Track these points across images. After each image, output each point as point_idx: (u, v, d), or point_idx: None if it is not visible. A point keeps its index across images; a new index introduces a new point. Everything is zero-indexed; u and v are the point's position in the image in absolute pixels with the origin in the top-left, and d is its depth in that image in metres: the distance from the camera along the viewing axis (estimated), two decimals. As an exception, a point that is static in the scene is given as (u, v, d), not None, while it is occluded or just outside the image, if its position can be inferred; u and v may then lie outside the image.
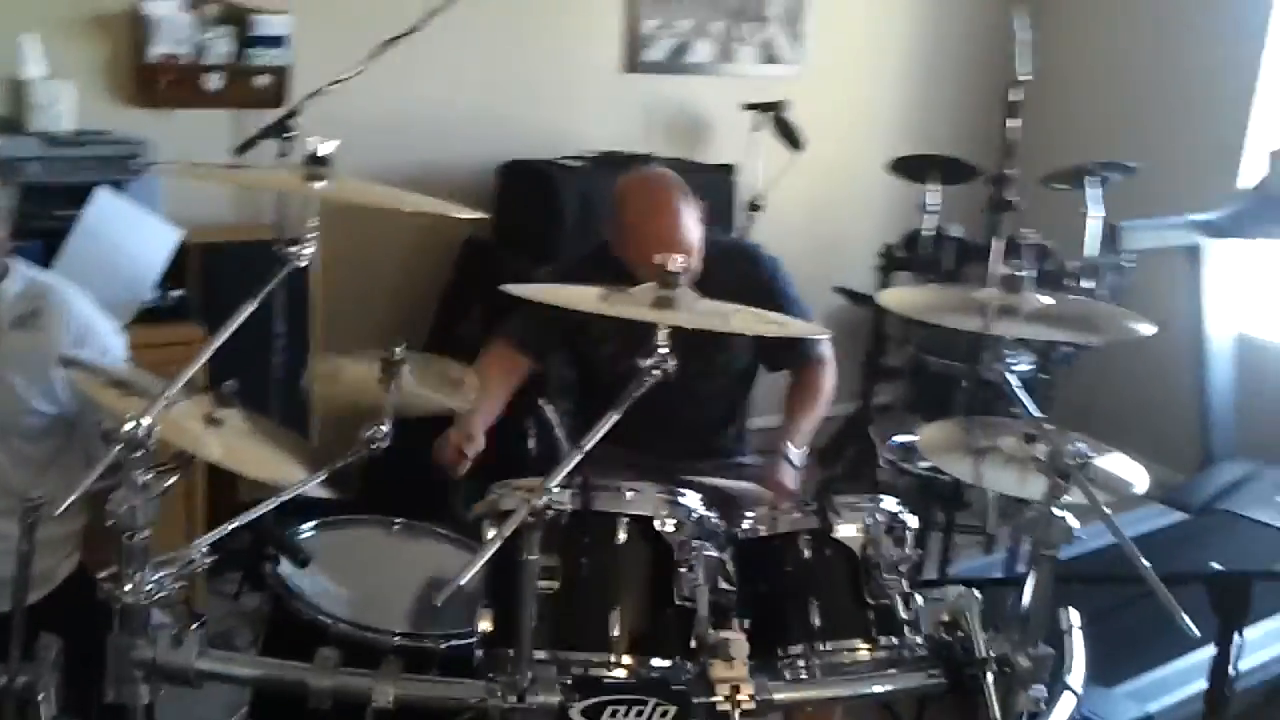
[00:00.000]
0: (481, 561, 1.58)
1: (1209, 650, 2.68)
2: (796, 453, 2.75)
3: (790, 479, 2.71)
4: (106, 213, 3.25)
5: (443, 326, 4.15)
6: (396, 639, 2.06)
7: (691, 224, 2.77)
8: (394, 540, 2.47)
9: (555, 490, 1.64)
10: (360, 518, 2.48)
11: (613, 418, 1.73)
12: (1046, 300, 2.02)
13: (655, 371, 1.75)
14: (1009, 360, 1.94)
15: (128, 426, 1.68)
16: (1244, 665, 2.28)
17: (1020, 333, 1.96)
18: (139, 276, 3.29)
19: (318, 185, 1.86)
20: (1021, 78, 2.62)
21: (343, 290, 3.84)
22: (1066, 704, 2.11)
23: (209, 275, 3.58)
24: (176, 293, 3.40)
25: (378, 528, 2.48)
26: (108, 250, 3.23)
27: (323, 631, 2.07)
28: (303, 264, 1.88)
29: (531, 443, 1.78)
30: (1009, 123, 2.71)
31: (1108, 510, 1.89)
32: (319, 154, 1.87)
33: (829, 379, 3.00)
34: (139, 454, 1.69)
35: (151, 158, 3.40)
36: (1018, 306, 1.98)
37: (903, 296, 2.11)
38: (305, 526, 2.38)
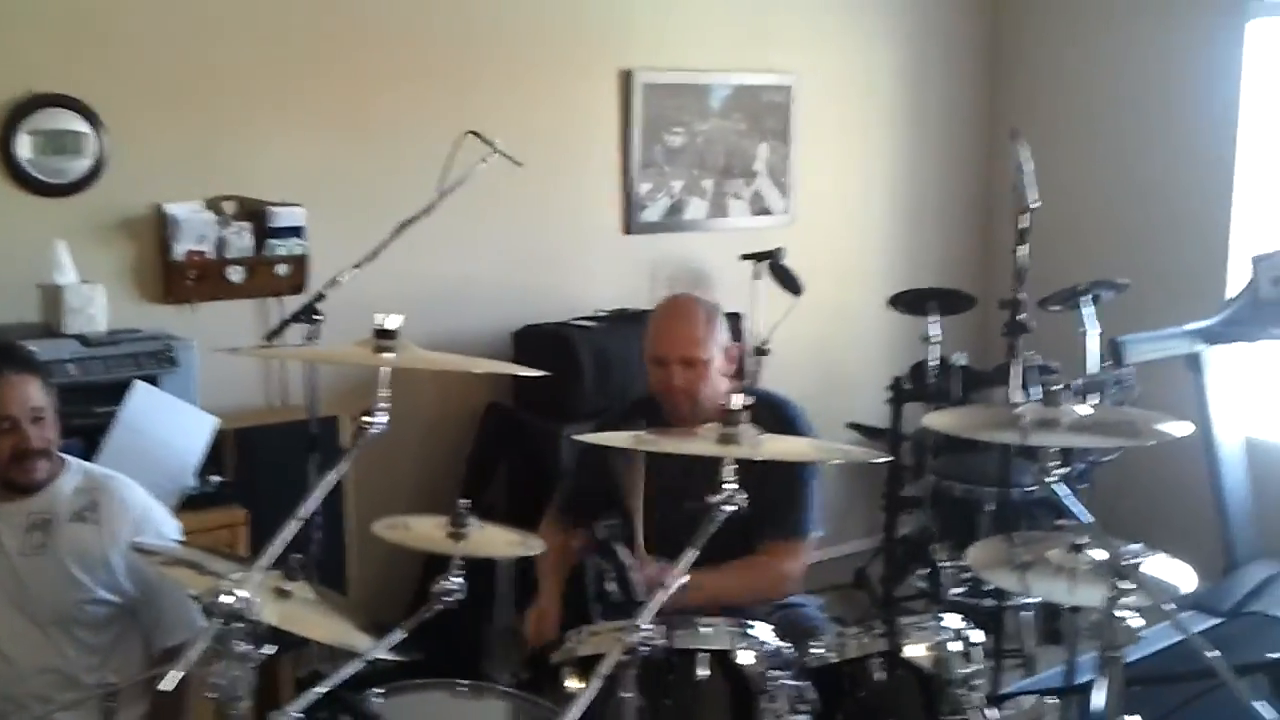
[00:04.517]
0: (586, 701, 1.63)
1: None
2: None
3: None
4: (145, 406, 3.34)
5: (470, 490, 4.21)
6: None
7: (703, 333, 2.92)
8: (461, 702, 2.47)
9: (647, 628, 1.69)
10: (425, 681, 2.50)
11: (691, 554, 1.79)
12: (1084, 410, 2.11)
13: (727, 506, 1.82)
14: (1056, 473, 2.01)
15: (226, 599, 1.74)
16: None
17: (1064, 442, 2.04)
18: (180, 465, 3.36)
19: (386, 356, 1.95)
20: (1032, 205, 2.73)
21: (371, 462, 3.91)
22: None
23: (244, 459, 3.65)
24: (216, 478, 3.46)
25: (444, 690, 2.48)
26: (148, 442, 3.30)
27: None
28: (376, 431, 1.95)
29: (610, 585, 1.85)
30: (1019, 249, 2.81)
31: (1170, 607, 1.95)
32: (386, 327, 1.97)
33: (778, 578, 2.87)
34: (238, 625, 1.75)
35: (184, 351, 3.50)
36: (1059, 418, 2.07)
37: (947, 419, 2.20)
38: (374, 693, 2.40)
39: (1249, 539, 4.57)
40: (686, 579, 2.32)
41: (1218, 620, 4.13)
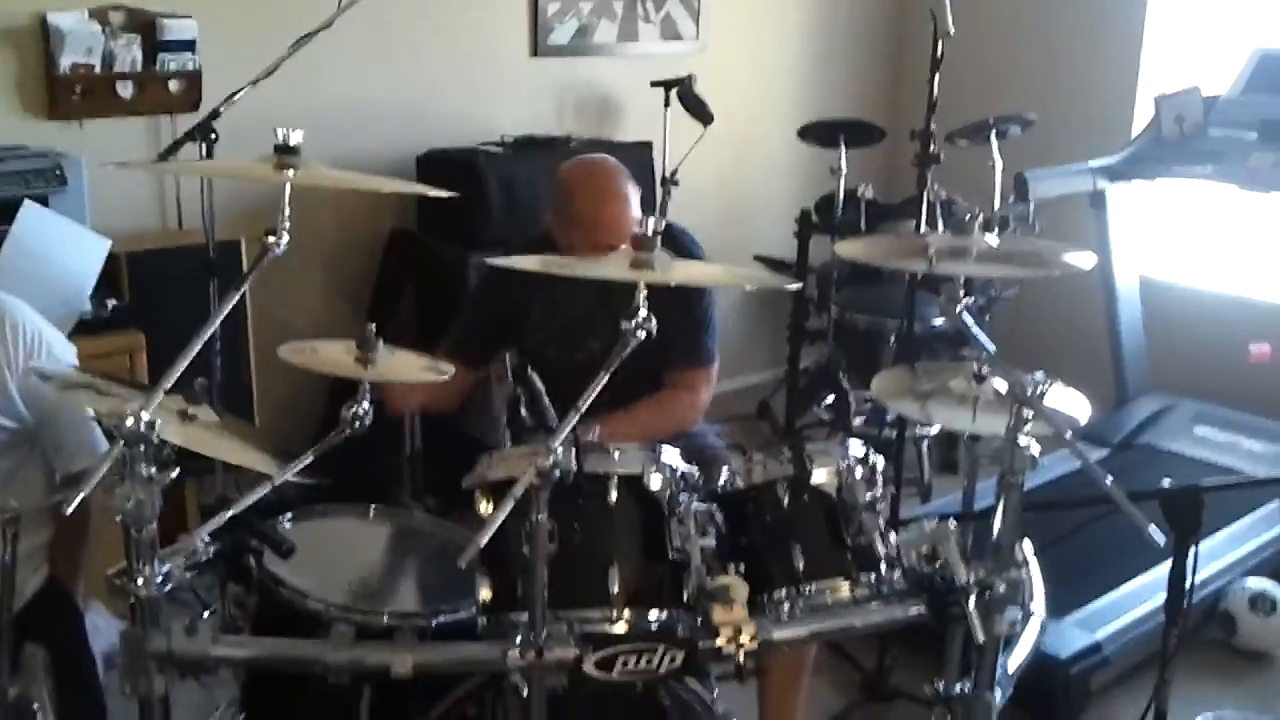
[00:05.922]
0: (497, 524, 1.63)
1: (1154, 574, 2.81)
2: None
3: None
4: (35, 226, 3.22)
5: (376, 317, 4.15)
6: (387, 620, 2.09)
7: (636, 209, 2.83)
8: (371, 526, 2.49)
9: (559, 451, 1.69)
10: (335, 506, 2.50)
11: (603, 378, 1.78)
12: (993, 240, 2.12)
13: (639, 333, 1.81)
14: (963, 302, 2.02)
15: (130, 421, 1.70)
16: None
17: (972, 272, 2.05)
18: (74, 288, 3.26)
19: (289, 172, 1.88)
20: (950, 32, 2.70)
21: (273, 288, 3.83)
22: (1033, 627, 2.23)
23: (139, 283, 3.55)
24: (112, 302, 3.37)
25: (353, 514, 2.49)
26: (40, 264, 3.19)
27: (315, 618, 2.09)
28: (279, 252, 1.90)
29: (523, 410, 1.84)
30: (932, 79, 2.78)
31: (1069, 435, 1.99)
32: (289, 143, 1.90)
33: (690, 407, 2.89)
34: (142, 448, 1.71)
35: (73, 169, 3.37)
36: (967, 248, 2.08)
37: (857, 247, 2.19)
38: (283, 518, 2.40)
39: (1140, 374, 4.71)
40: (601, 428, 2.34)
41: (1107, 451, 4.28)
